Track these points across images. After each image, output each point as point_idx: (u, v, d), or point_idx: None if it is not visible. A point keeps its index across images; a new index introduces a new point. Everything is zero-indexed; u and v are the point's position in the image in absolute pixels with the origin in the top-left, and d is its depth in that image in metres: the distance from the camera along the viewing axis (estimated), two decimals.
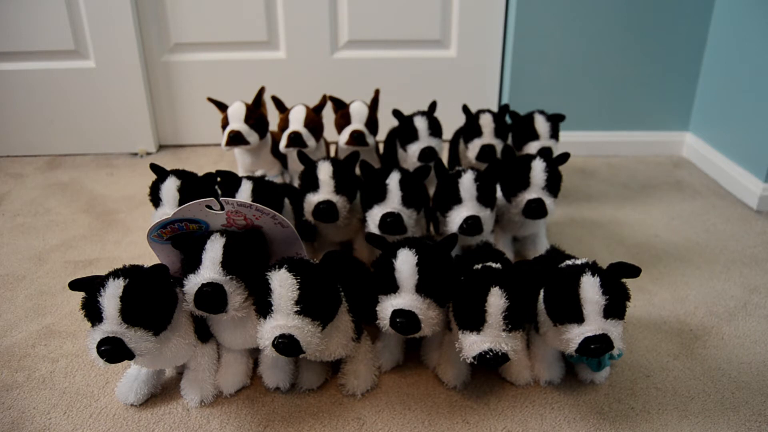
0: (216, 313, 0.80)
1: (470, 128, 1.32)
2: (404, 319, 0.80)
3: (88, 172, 1.70)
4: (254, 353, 0.95)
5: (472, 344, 0.78)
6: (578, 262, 0.84)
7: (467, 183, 1.03)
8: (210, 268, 0.80)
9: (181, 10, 1.68)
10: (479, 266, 0.86)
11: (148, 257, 1.24)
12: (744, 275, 1.21)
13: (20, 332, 1.04)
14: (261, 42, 1.73)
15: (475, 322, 0.79)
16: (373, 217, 1.03)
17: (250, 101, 1.38)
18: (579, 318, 0.78)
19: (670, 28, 1.65)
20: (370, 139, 1.33)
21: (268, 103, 1.47)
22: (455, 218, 1.03)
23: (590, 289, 0.78)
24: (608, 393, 0.91)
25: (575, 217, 1.44)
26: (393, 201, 1.03)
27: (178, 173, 1.09)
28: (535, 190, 1.09)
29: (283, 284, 0.76)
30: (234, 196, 1.04)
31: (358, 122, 1.33)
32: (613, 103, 1.75)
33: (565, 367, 0.94)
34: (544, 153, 1.20)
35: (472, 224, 1.00)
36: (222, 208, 0.85)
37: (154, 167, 1.10)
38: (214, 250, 0.81)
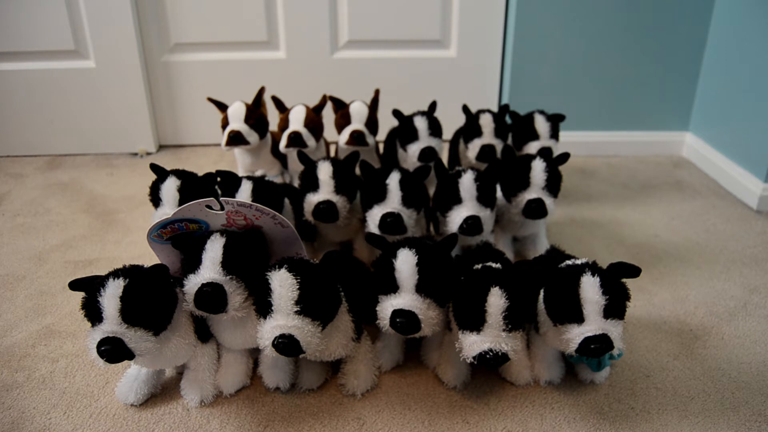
0: (216, 313, 0.80)
1: (470, 128, 1.32)
2: (404, 319, 0.80)
3: (88, 172, 1.70)
4: (254, 353, 0.95)
5: (472, 344, 0.78)
6: (578, 262, 0.84)
7: (467, 183, 1.03)
8: (210, 268, 0.80)
9: (181, 10, 1.68)
10: (479, 266, 0.86)
11: (148, 257, 1.24)
12: (744, 275, 1.21)
13: (20, 332, 1.04)
14: (261, 42, 1.73)
15: (475, 322, 0.79)
16: (373, 217, 1.03)
17: (250, 101, 1.38)
18: (579, 318, 0.78)
19: (670, 28, 1.65)
20: (370, 139, 1.33)
21: (268, 103, 1.47)
22: (455, 218, 1.03)
23: (590, 289, 0.78)
24: (608, 393, 0.91)
25: (575, 217, 1.44)
26: (393, 201, 1.03)
27: (178, 173, 1.09)
28: (535, 190, 1.09)
29: (283, 284, 0.76)
30: (234, 196, 1.04)
31: (358, 122, 1.33)
32: (613, 103, 1.75)
33: (565, 367, 0.94)
34: (544, 153, 1.20)
35: (472, 224, 1.00)
36: (222, 208, 0.85)
37: (154, 167, 1.10)
38: (214, 250, 0.81)
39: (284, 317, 0.76)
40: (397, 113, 1.33)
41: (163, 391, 0.91)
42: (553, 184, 1.10)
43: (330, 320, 0.81)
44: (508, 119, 1.40)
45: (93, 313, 0.76)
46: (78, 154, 1.81)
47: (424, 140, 1.28)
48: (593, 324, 0.77)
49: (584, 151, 1.78)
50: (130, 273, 0.77)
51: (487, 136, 1.30)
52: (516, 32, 1.66)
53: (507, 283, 0.79)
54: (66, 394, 0.91)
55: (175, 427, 0.85)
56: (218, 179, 1.09)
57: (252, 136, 1.34)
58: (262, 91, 1.39)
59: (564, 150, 1.16)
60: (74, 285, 0.79)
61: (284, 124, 1.34)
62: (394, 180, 1.04)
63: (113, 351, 0.74)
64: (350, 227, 1.18)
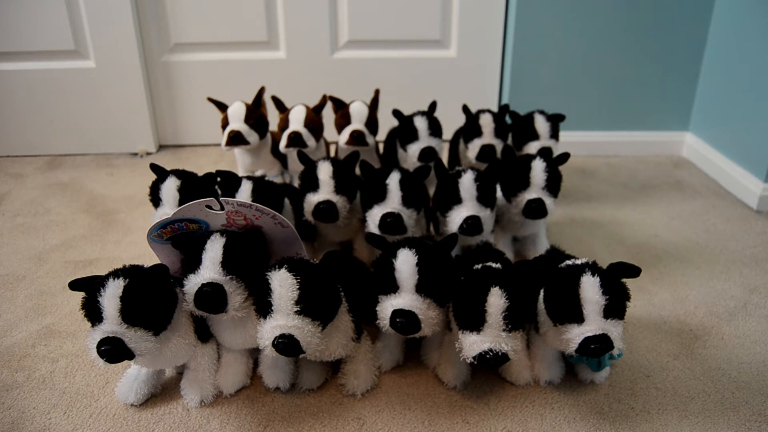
0: (216, 313, 0.80)
1: (470, 128, 1.32)
2: (404, 319, 0.80)
3: (88, 172, 1.70)
4: (254, 353, 0.95)
5: (472, 344, 0.78)
6: (578, 262, 0.84)
7: (467, 183, 1.03)
8: (210, 268, 0.80)
9: (181, 10, 1.68)
10: (479, 266, 0.86)
11: (148, 257, 1.24)
12: (744, 275, 1.21)
13: (20, 332, 1.04)
14: (261, 42, 1.73)
15: (475, 322, 0.79)
16: (373, 217, 1.03)
17: (250, 101, 1.38)
18: (579, 318, 0.78)
19: (670, 28, 1.65)
20: (370, 139, 1.33)
21: (268, 103, 1.47)
22: (455, 218, 1.03)
23: (590, 289, 0.78)
24: (608, 393, 0.91)
25: (575, 217, 1.44)
26: (393, 201, 1.03)
27: (178, 173, 1.08)
28: (535, 190, 1.09)
29: (283, 284, 0.76)
30: (234, 196, 1.04)
31: (358, 122, 1.33)
32: (613, 103, 1.75)
33: (565, 367, 0.94)
34: (544, 153, 1.20)
35: (472, 224, 1.00)
36: (222, 208, 0.85)
37: (154, 167, 1.10)
38: (214, 250, 0.81)
39: (284, 317, 0.76)
40: (397, 113, 1.33)
41: (163, 391, 0.91)
42: (553, 184, 1.10)
43: (330, 320, 0.81)
44: (508, 119, 1.40)
45: (93, 313, 0.76)
46: (78, 154, 1.81)
47: (424, 140, 1.28)
48: (593, 324, 0.77)
49: (584, 151, 1.78)
50: (130, 273, 0.77)
51: (487, 136, 1.30)
52: (516, 32, 1.66)
53: (507, 283, 0.79)
54: (66, 394, 0.91)
55: (175, 427, 0.85)
56: (218, 179, 1.09)
57: (252, 136, 1.34)
58: (262, 91, 1.39)
59: (564, 150, 1.16)
60: (74, 285, 0.79)
61: (284, 124, 1.34)
62: (394, 180, 1.04)
63: (113, 351, 0.74)
64: (350, 227, 1.18)
